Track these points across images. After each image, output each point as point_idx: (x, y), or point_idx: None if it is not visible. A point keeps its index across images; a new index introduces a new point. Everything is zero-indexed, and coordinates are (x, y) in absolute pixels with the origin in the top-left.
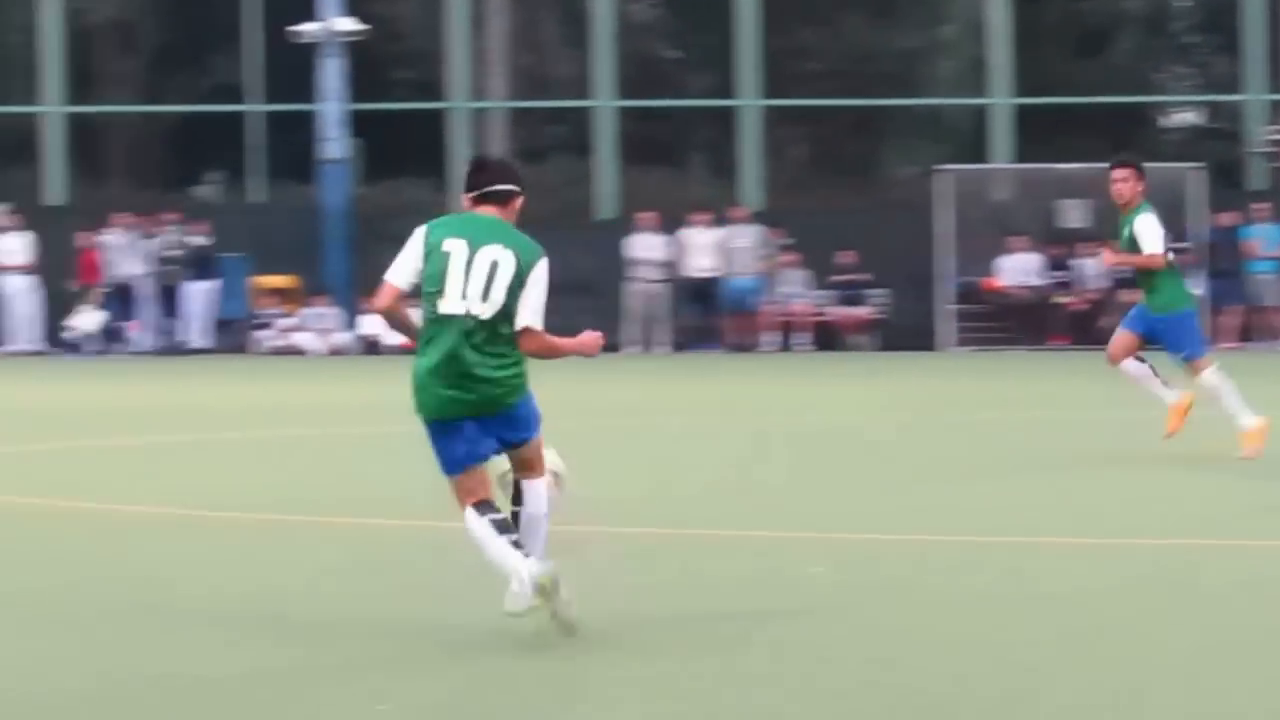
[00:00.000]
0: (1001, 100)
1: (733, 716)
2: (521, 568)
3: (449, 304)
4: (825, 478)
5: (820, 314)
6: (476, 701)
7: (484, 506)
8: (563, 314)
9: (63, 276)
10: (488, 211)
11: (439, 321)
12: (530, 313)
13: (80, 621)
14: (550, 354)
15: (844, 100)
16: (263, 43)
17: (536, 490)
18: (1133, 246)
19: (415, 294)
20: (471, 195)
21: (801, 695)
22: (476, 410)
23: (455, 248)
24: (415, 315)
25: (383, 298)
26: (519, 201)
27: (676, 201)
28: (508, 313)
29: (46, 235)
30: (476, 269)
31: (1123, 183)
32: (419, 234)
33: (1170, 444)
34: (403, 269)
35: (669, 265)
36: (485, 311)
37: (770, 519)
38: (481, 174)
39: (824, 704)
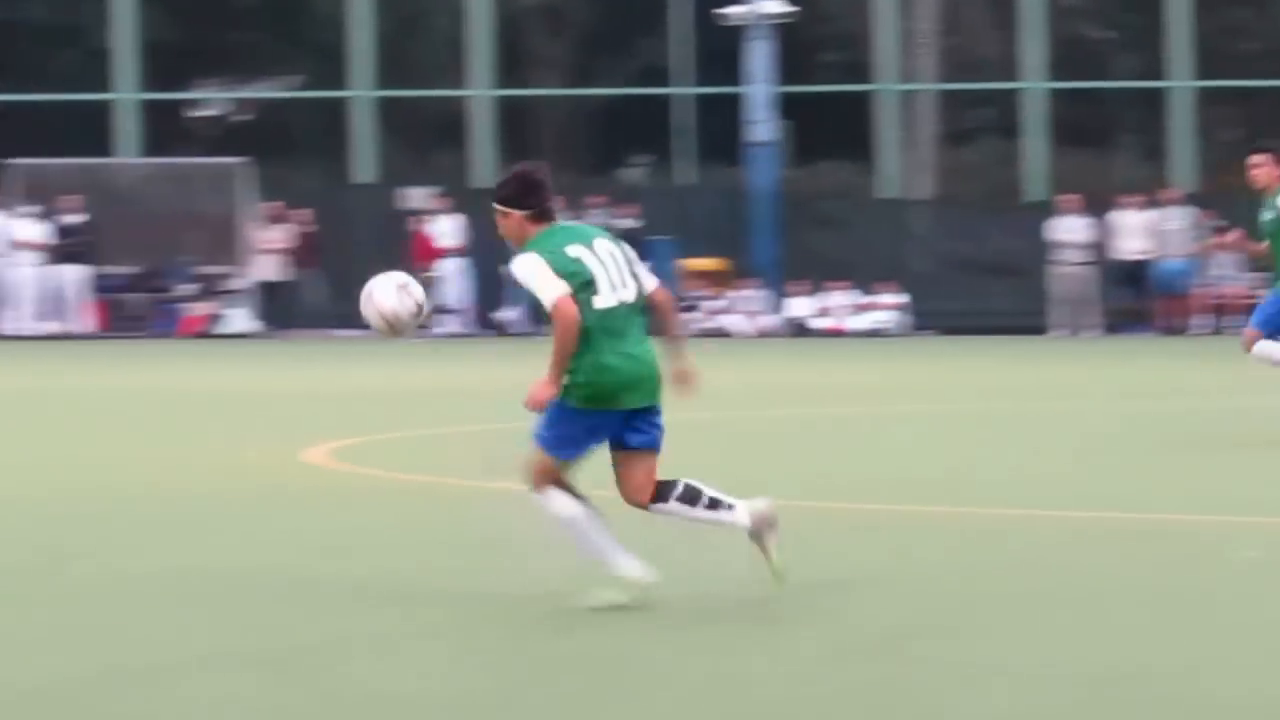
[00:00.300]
0: None
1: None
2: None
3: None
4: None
5: (1252, 296)
6: None
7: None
8: (987, 296)
9: (494, 260)
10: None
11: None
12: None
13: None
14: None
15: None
16: (691, 26)
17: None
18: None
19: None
20: (533, 212)
21: None
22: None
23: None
24: None
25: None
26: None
27: (1103, 184)
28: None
29: (476, 218)
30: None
31: (1258, 168)
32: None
33: None
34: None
35: (1093, 248)
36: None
37: (1197, 504)
38: (541, 190)
39: None
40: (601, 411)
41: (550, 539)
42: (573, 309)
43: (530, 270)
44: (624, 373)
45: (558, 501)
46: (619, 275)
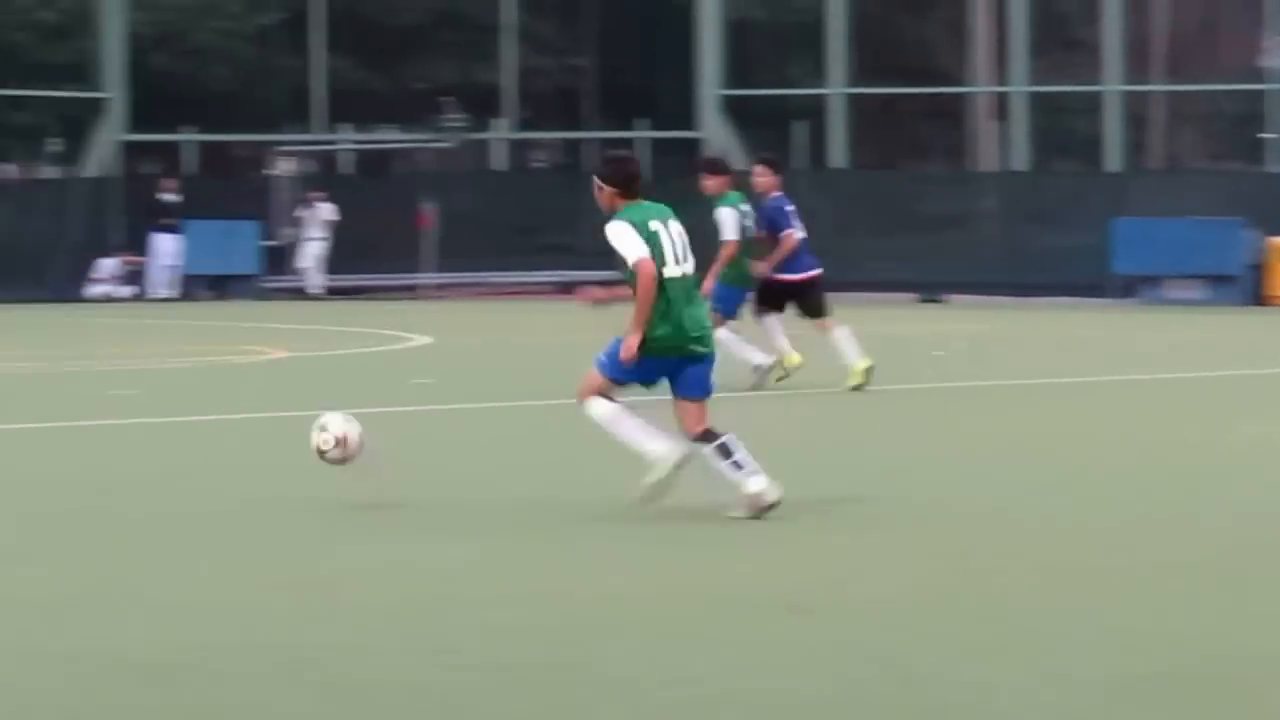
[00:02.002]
0: None
1: None
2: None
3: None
4: None
5: None
6: None
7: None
8: None
9: None
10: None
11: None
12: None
13: None
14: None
15: None
16: None
17: None
18: None
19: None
20: (623, 189)
21: None
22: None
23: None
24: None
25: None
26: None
27: None
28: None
29: None
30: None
31: None
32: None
33: None
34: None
35: None
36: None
37: None
38: (633, 172)
39: None
40: (655, 358)
41: None
42: (653, 268)
43: (620, 233)
44: (676, 332)
45: (597, 407)
46: (682, 251)
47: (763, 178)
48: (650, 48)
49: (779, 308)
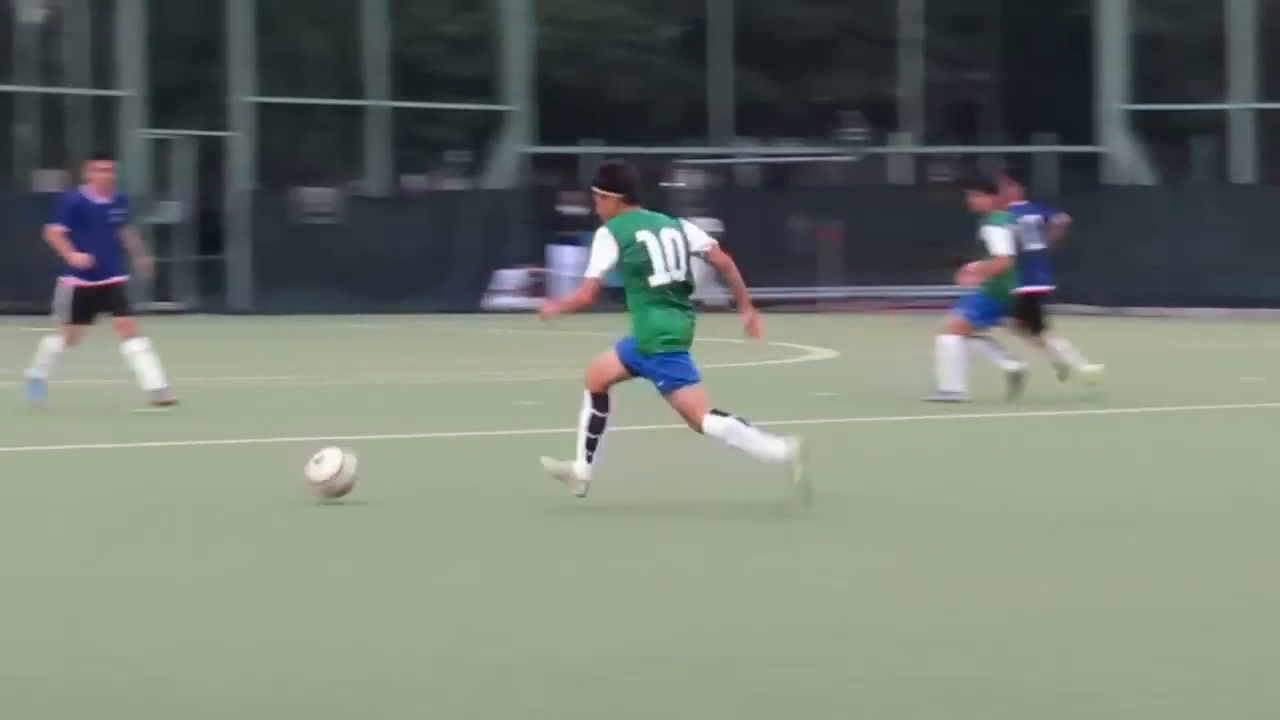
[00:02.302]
0: None
1: None
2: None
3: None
4: None
5: None
6: None
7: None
8: None
9: None
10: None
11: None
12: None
13: None
14: None
15: None
16: None
17: None
18: None
19: None
20: (621, 197)
21: None
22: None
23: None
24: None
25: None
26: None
27: None
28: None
29: None
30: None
31: None
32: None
33: None
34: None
35: None
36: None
37: None
38: (629, 180)
39: None
40: (679, 351)
41: None
42: (596, 286)
43: (598, 241)
44: (651, 336)
45: (590, 406)
46: (674, 259)
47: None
48: (1052, 62)
49: (1031, 323)
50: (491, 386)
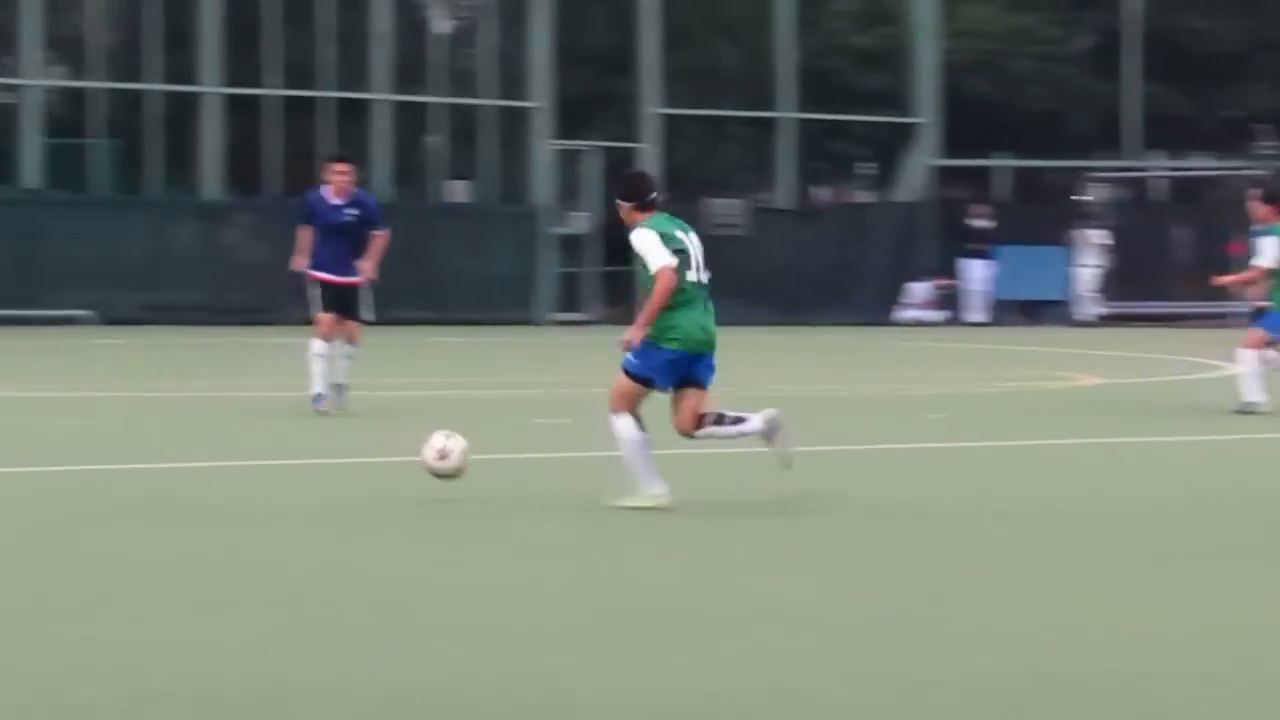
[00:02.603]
0: None
1: None
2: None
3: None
4: None
5: None
6: None
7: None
8: None
9: None
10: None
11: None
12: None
13: None
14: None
15: None
16: None
17: None
18: None
19: None
20: (641, 203)
21: None
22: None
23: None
24: None
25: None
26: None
27: None
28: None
29: None
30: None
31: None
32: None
33: None
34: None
35: None
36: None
37: None
38: (648, 187)
39: None
40: (678, 352)
41: None
42: (674, 276)
43: (645, 241)
44: (691, 332)
45: (625, 425)
46: (699, 260)
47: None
48: None
49: None
50: (898, 399)
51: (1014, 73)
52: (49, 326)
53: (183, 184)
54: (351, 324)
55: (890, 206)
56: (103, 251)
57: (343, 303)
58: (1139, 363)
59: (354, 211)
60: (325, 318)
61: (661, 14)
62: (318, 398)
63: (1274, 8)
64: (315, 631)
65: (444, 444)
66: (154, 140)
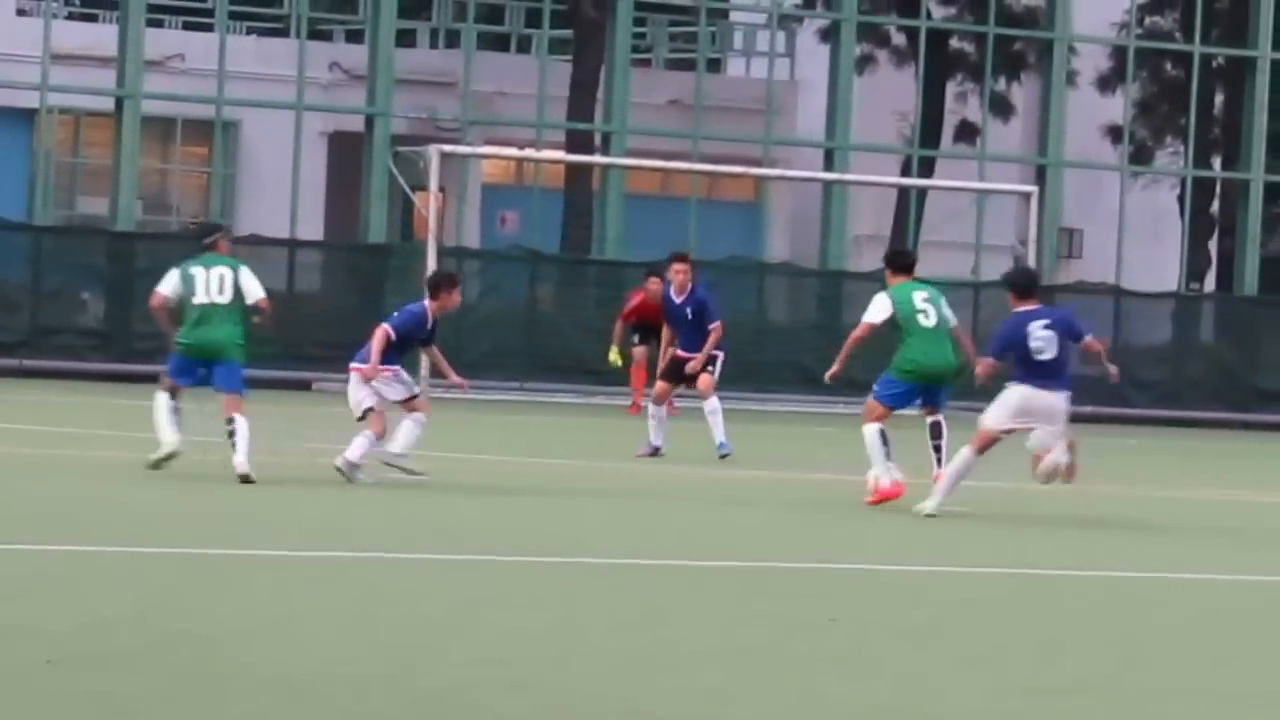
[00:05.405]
0: None
1: None
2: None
3: None
4: None
5: None
6: None
7: None
8: None
9: None
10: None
11: None
12: None
13: None
14: None
15: None
16: None
17: None
18: None
19: None
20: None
21: None
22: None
23: None
24: None
25: None
26: None
27: None
28: None
29: None
30: None
31: None
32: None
33: None
34: None
35: None
36: None
37: None
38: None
39: None
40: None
41: None
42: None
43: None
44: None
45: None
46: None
47: None
48: None
49: None
50: None
51: None
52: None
53: None
54: (705, 378)
55: None
56: None
57: (684, 376)
58: None
59: (689, 308)
60: (665, 387)
61: None
62: None
63: None
64: None
65: None
66: None
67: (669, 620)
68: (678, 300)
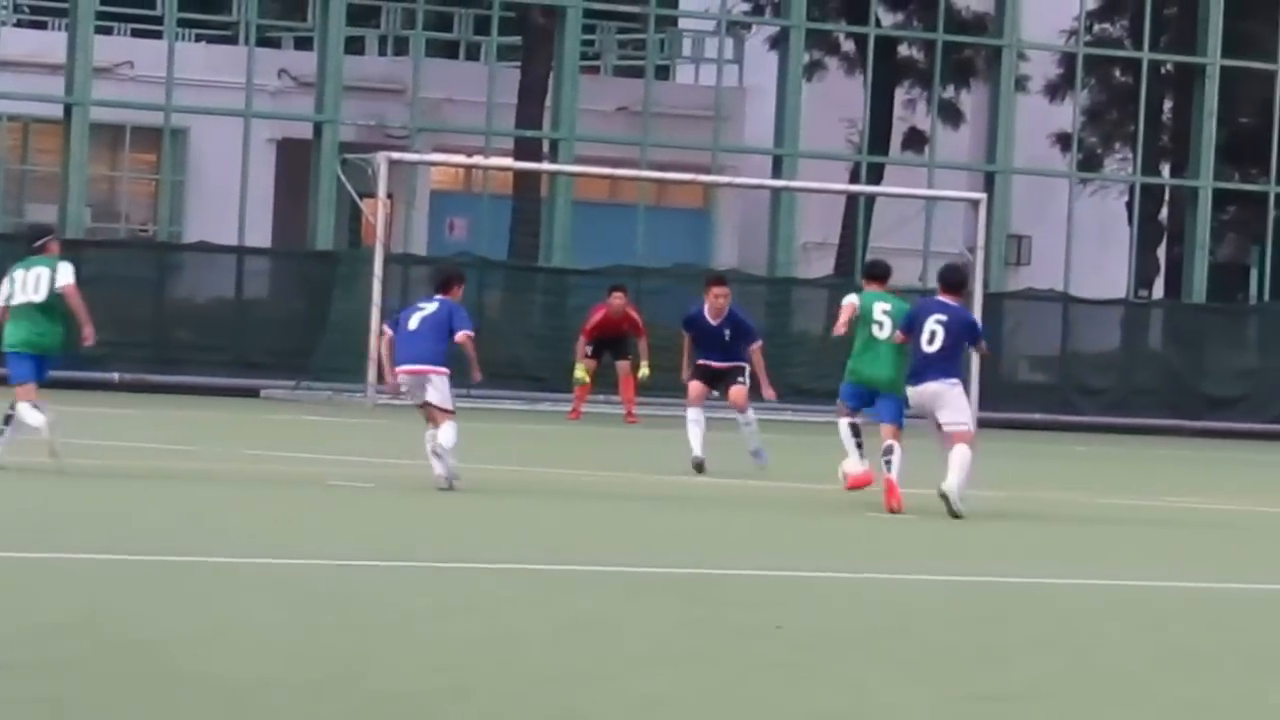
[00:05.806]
0: None
1: None
2: None
3: None
4: None
5: None
6: None
7: None
8: None
9: None
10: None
11: None
12: None
13: None
14: None
15: None
16: None
17: None
18: None
19: None
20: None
21: None
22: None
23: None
24: None
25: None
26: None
27: None
28: None
29: None
30: None
31: None
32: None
33: None
34: None
35: None
36: None
37: None
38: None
39: None
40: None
41: None
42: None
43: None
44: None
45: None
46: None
47: None
48: None
49: None
50: None
51: None
52: None
53: None
54: (738, 390)
55: None
56: None
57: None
58: None
59: (725, 331)
60: (700, 388)
61: None
62: None
63: None
64: None
65: None
66: None
67: (612, 627)
68: (714, 323)
